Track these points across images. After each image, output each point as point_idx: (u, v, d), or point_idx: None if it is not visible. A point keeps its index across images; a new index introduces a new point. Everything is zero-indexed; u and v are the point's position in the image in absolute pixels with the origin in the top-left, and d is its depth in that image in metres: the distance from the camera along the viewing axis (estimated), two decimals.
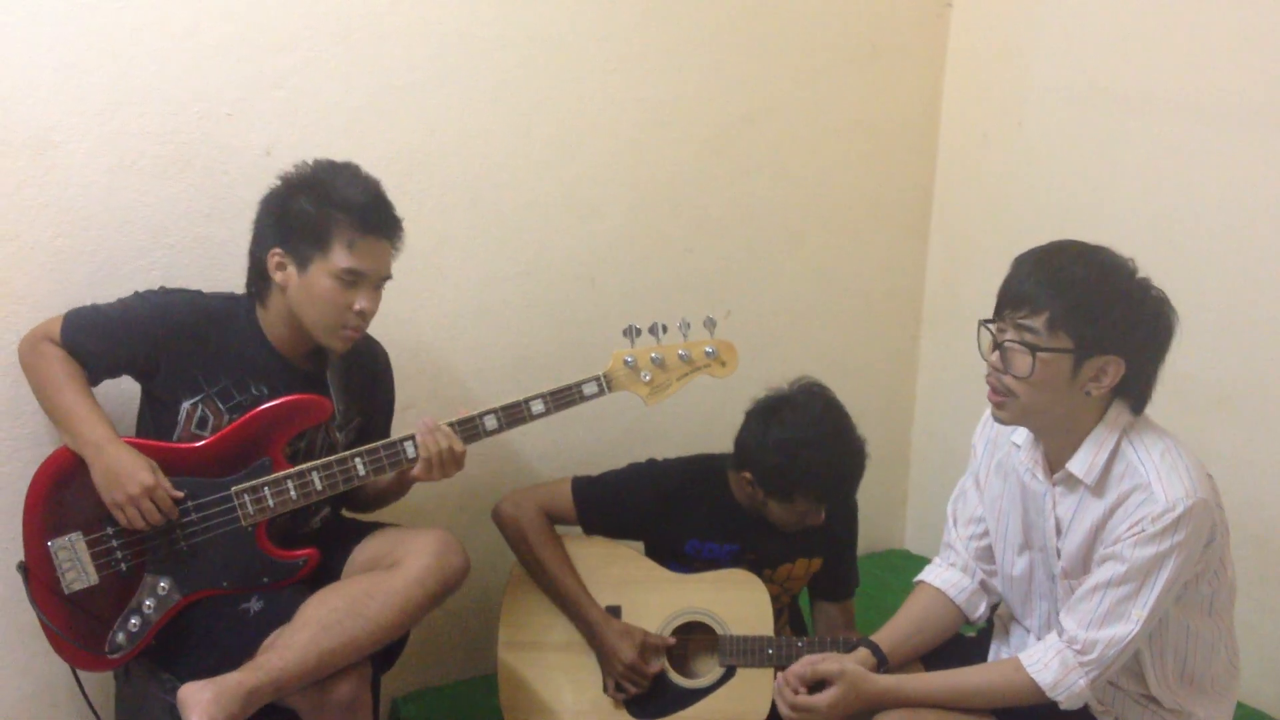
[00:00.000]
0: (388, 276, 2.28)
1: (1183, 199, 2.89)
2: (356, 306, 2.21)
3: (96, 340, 2.22)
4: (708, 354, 2.42)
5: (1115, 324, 1.92)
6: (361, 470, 2.25)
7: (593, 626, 2.50)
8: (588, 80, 2.91)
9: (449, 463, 2.29)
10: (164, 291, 2.30)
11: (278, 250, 2.21)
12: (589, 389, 2.37)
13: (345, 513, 2.54)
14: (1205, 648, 2.08)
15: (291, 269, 2.20)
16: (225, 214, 2.48)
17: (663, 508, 2.57)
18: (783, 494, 2.45)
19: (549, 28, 2.83)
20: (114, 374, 2.27)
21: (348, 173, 2.25)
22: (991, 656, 2.29)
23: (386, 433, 2.46)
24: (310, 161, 2.26)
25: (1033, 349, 1.92)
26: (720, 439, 2.59)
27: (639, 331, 2.38)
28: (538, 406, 2.33)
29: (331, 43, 2.58)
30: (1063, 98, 3.17)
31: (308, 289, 2.20)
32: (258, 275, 2.26)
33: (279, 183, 2.25)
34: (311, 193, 2.20)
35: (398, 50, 2.66)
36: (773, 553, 2.57)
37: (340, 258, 2.18)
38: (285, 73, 2.54)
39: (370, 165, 2.63)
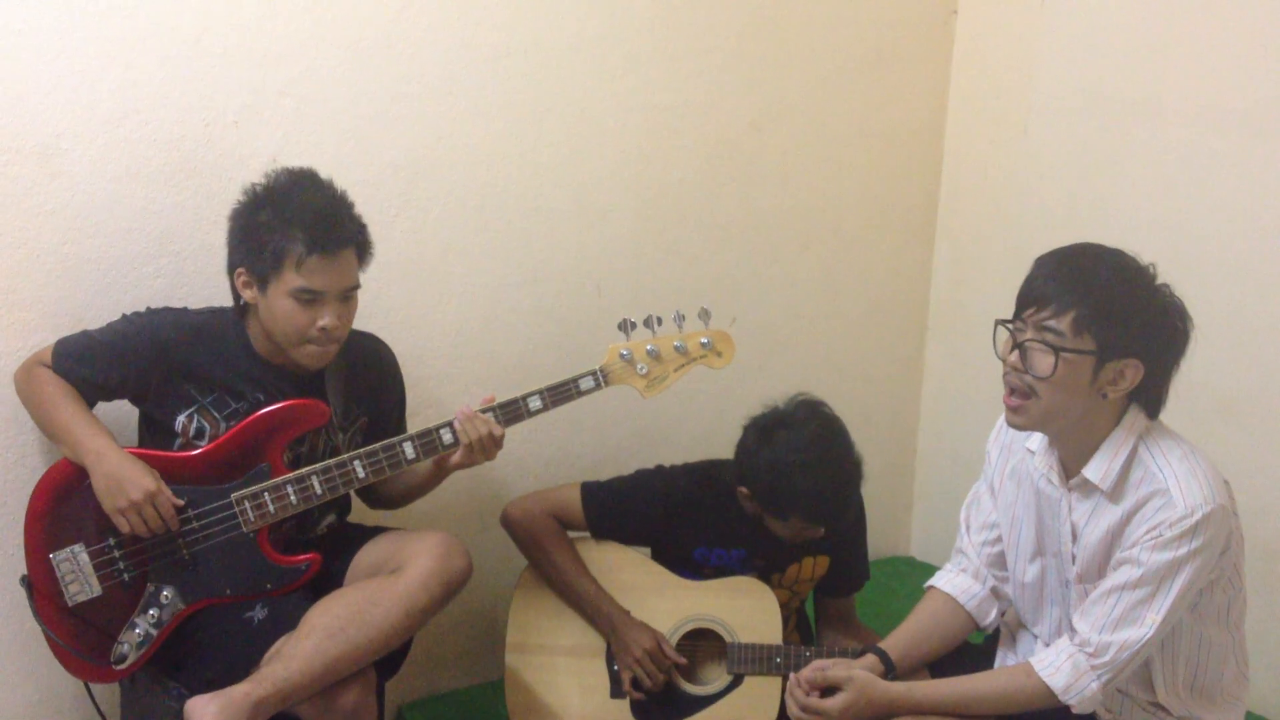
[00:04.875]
0: (354, 287, 2.24)
1: (1188, 206, 2.89)
2: (319, 324, 2.18)
3: (87, 367, 2.22)
4: (703, 345, 2.41)
5: (1139, 327, 1.92)
6: (360, 473, 2.25)
7: (611, 621, 2.49)
8: (594, 87, 2.91)
9: (490, 447, 2.30)
10: (151, 312, 2.30)
11: (241, 270, 2.20)
12: (585, 383, 2.35)
13: (368, 506, 2.54)
14: (1217, 658, 2.07)
15: (255, 288, 2.19)
16: None
17: (671, 514, 2.57)
18: (777, 513, 2.45)
19: (555, 35, 2.83)
20: (107, 397, 2.27)
21: (303, 186, 2.21)
22: (998, 663, 2.28)
23: (400, 430, 2.45)
24: (274, 172, 2.23)
25: (1056, 349, 1.92)
26: (725, 443, 2.58)
27: (634, 325, 2.36)
28: (535, 403, 2.33)
29: (338, 51, 2.58)
30: (1068, 104, 3.17)
31: (270, 310, 2.19)
32: (233, 293, 2.26)
33: (242, 196, 2.23)
34: (269, 209, 2.18)
35: (404, 58, 2.66)
36: (779, 556, 2.57)
37: (292, 278, 2.15)
38: (292, 81, 2.54)
39: (376, 173, 2.66)
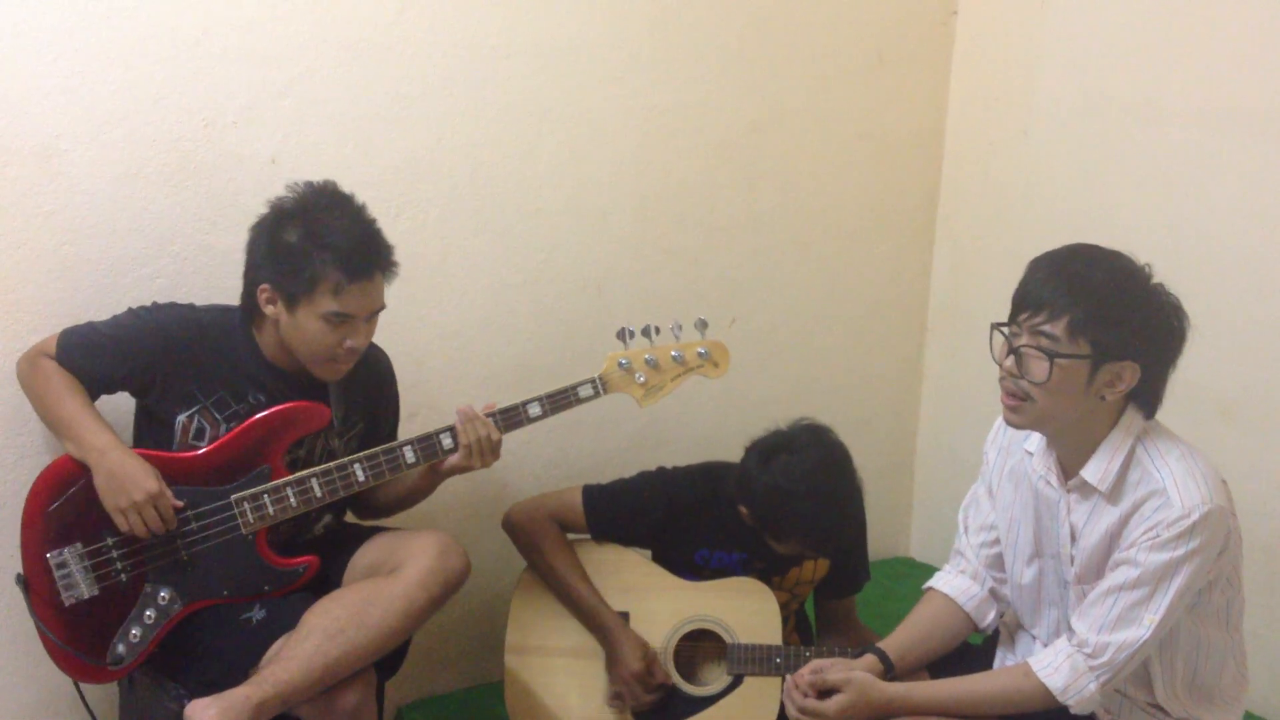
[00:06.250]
0: (381, 308, 2.26)
1: (1188, 207, 2.89)
2: (347, 344, 2.20)
3: (91, 359, 2.22)
4: (700, 355, 2.44)
5: (1133, 330, 1.92)
6: (361, 476, 2.25)
7: (607, 631, 2.49)
8: (595, 89, 2.91)
9: (488, 451, 2.30)
10: (157, 307, 2.30)
11: (266, 286, 2.20)
12: (584, 391, 2.38)
13: (358, 518, 2.54)
14: (1216, 659, 2.07)
15: (281, 305, 2.19)
16: (230, 222, 2.48)
17: (672, 516, 2.57)
18: (776, 537, 2.45)
19: (556, 37, 2.83)
20: (110, 390, 2.27)
21: (337, 208, 2.21)
22: (997, 664, 2.28)
23: (393, 437, 2.45)
24: (301, 187, 2.23)
25: (1050, 355, 1.91)
26: (725, 445, 2.59)
27: (632, 334, 2.39)
28: (535, 409, 2.35)
29: (338, 52, 2.59)
30: (1068, 106, 3.17)
31: (296, 328, 2.19)
32: (250, 301, 2.26)
33: (268, 210, 2.22)
34: (299, 228, 2.17)
35: (404, 59, 2.66)
36: (780, 559, 2.56)
37: (327, 302, 2.16)
38: (291, 81, 2.54)
39: (377, 174, 2.66)
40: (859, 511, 2.50)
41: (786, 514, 2.38)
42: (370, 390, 2.44)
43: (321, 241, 2.15)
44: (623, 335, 2.40)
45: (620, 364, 2.41)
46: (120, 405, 2.33)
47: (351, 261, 2.16)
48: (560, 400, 2.36)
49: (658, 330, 2.41)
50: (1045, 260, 1.98)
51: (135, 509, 2.11)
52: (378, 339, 2.50)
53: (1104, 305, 1.90)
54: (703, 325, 2.43)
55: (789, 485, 2.37)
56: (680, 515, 2.57)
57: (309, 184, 2.24)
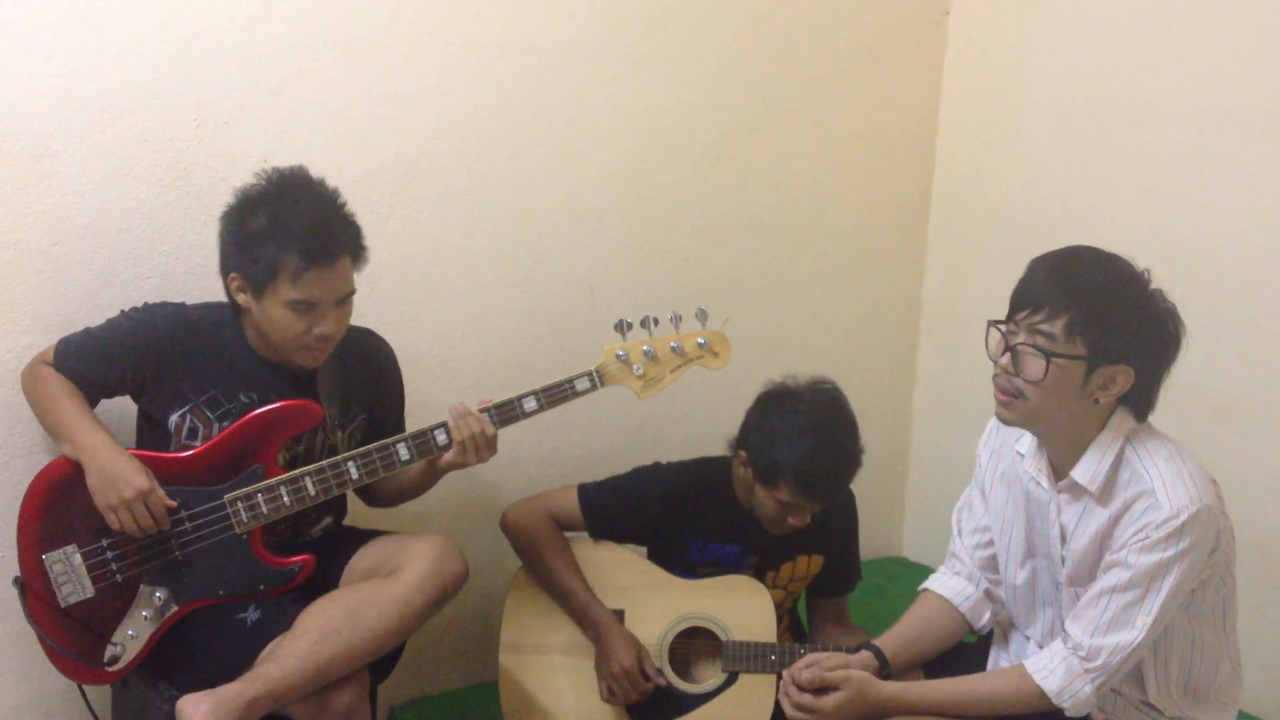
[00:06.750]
0: (350, 292, 2.23)
1: (1181, 208, 2.89)
2: (316, 332, 2.18)
3: (89, 365, 2.22)
4: (700, 345, 2.41)
5: (1130, 334, 1.92)
6: (355, 474, 2.24)
7: (599, 628, 2.49)
8: (588, 88, 2.91)
9: (483, 446, 2.29)
10: (147, 307, 2.30)
11: (236, 275, 2.19)
12: (581, 384, 2.36)
13: (365, 504, 2.54)
14: (1210, 658, 2.07)
15: (250, 294, 2.19)
16: None
17: (668, 510, 2.57)
18: (768, 478, 2.43)
19: (550, 36, 2.83)
20: (108, 394, 2.27)
21: (297, 194, 2.19)
22: (991, 664, 2.28)
23: (399, 428, 2.44)
24: (269, 173, 2.21)
25: (1047, 354, 1.92)
26: (720, 443, 2.59)
27: (630, 325, 2.37)
28: (530, 404, 2.33)
29: (331, 51, 2.58)
30: (1061, 106, 3.17)
31: (265, 316, 2.18)
32: (227, 293, 2.25)
33: (234, 199, 2.21)
34: (263, 214, 2.16)
35: (398, 58, 2.66)
36: (774, 553, 2.57)
37: (287, 290, 2.14)
38: (284, 81, 2.54)
39: (369, 173, 2.65)
40: (855, 466, 2.47)
41: (786, 449, 2.38)
42: (370, 380, 2.43)
43: (280, 227, 2.13)
44: (620, 327, 2.36)
45: (618, 356, 2.38)
46: (124, 409, 2.32)
47: (308, 247, 2.12)
48: (556, 394, 2.34)
49: (656, 322, 2.38)
50: (1046, 260, 1.99)
51: (126, 506, 2.11)
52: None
53: (1103, 308, 1.91)
54: (703, 316, 2.39)
55: (792, 421, 2.40)
56: (676, 508, 2.57)
57: (276, 169, 2.22)
